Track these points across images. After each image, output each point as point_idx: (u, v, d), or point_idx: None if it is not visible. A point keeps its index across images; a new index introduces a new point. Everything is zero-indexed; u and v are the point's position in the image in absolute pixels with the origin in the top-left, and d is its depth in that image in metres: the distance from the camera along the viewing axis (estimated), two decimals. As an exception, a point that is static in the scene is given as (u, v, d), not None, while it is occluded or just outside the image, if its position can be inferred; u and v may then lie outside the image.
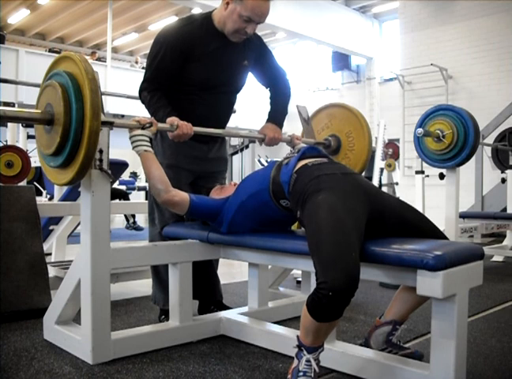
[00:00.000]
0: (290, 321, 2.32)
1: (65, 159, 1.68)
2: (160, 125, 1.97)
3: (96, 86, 1.63)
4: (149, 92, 2.13)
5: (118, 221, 8.38)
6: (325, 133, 2.70)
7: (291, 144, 2.41)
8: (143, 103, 2.17)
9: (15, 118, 1.73)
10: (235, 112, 2.57)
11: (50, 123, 1.70)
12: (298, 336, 1.48)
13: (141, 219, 7.43)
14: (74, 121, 1.62)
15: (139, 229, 7.02)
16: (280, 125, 2.34)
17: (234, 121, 11.32)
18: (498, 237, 5.71)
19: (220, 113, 2.28)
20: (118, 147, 3.11)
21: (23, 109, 1.76)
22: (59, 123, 1.65)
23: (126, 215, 6.93)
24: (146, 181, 2.50)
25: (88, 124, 1.59)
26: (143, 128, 1.89)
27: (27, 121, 1.74)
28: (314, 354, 1.45)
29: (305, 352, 1.45)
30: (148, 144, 1.92)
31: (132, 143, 1.91)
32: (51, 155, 1.74)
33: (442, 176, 3.52)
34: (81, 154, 1.63)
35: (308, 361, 1.45)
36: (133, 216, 7.06)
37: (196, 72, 2.15)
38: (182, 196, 1.90)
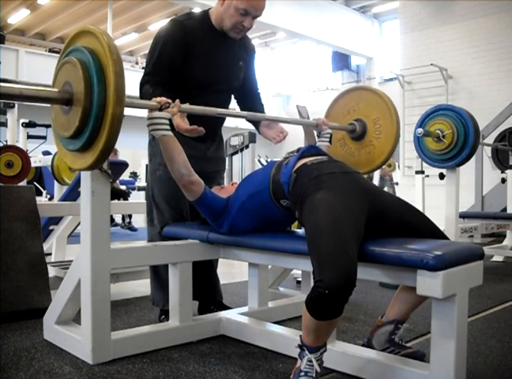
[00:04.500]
0: (290, 321, 2.32)
1: (84, 143, 1.58)
2: (184, 106, 1.86)
3: (121, 68, 1.50)
4: (152, 86, 2.05)
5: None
6: (351, 117, 2.55)
7: (318, 129, 2.34)
8: (143, 97, 2.06)
9: (32, 98, 1.55)
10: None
11: (69, 103, 1.59)
12: (301, 336, 1.49)
13: (141, 219, 7.43)
14: (96, 105, 1.51)
15: (133, 229, 7.04)
16: None
17: (234, 121, 11.32)
18: (498, 237, 5.71)
19: None
20: (118, 147, 3.11)
21: (39, 87, 1.60)
22: (79, 104, 1.54)
23: (123, 214, 6.97)
24: (146, 181, 2.46)
25: (111, 111, 1.49)
26: (160, 109, 1.78)
27: (44, 102, 1.62)
28: (315, 354, 1.45)
29: (306, 352, 1.45)
30: (168, 126, 1.80)
31: (148, 126, 1.80)
32: (69, 138, 1.64)
33: (442, 176, 3.53)
34: (102, 141, 1.53)
35: (310, 361, 1.45)
36: (130, 216, 7.08)
37: (193, 70, 2.14)
38: (201, 183, 1.92)
